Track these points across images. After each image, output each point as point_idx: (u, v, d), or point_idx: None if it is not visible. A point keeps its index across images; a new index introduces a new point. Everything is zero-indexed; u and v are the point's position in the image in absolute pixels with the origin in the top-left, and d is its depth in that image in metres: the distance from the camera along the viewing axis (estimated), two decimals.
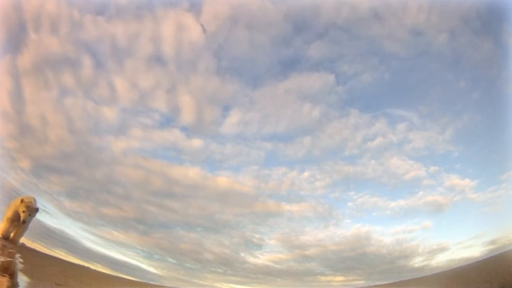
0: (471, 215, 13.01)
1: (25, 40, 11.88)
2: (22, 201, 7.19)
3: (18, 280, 3.13)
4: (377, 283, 13.27)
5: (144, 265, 12.89)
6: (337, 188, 14.82)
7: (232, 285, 13.87)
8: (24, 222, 7.01)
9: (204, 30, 13.37)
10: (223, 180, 14.45)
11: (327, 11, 13.16)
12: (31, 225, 7.20)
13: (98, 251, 11.57)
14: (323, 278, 14.10)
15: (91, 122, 13.34)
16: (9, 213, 7.29)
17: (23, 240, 7.21)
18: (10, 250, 6.76)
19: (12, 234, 7.30)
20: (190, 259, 13.85)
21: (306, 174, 14.78)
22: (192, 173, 14.26)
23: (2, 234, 7.24)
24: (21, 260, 5.99)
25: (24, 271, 3.62)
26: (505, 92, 11.70)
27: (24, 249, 5.94)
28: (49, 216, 10.38)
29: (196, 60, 13.77)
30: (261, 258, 14.24)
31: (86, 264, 8.43)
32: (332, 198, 14.85)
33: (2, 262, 5.54)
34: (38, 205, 7.41)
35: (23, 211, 7.07)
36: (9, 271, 4.97)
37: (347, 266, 14.12)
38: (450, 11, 12.26)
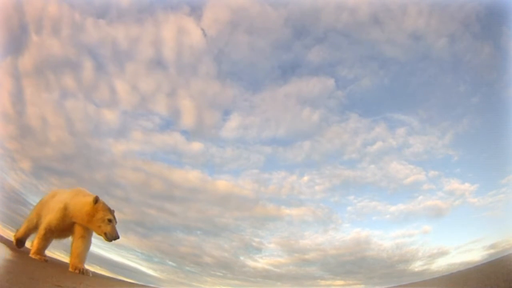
0: (471, 220, 12.97)
1: (27, 41, 11.91)
2: (96, 200, 4.73)
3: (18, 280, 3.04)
4: (377, 287, 13.23)
5: (144, 267, 12.85)
6: (337, 193, 14.77)
7: None
8: (109, 238, 4.58)
9: (205, 35, 13.41)
10: (222, 183, 14.42)
11: (327, 16, 13.21)
12: None
13: (97, 253, 11.50)
14: (322, 282, 14.02)
15: (91, 124, 13.34)
16: (54, 221, 4.77)
17: None
18: None
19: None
20: (189, 262, 13.79)
21: (305, 178, 14.74)
22: (192, 176, 14.22)
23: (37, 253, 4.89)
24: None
25: (24, 272, 3.62)
26: (505, 96, 11.75)
27: (24, 250, 5.91)
28: None
29: (196, 64, 13.80)
30: (261, 262, 14.18)
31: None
32: (332, 202, 14.79)
33: None
34: None
35: (109, 220, 4.64)
36: None
37: (346, 270, 14.06)
38: (450, 15, 12.32)
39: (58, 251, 5.24)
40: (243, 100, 14.42)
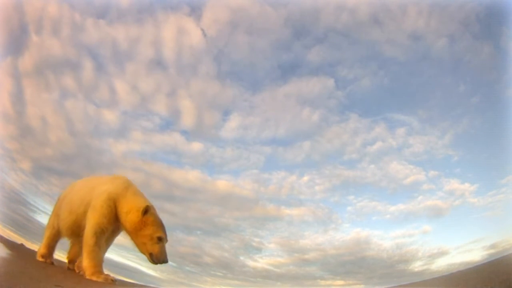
0: (471, 219, 13.01)
1: (27, 42, 11.98)
2: (146, 210, 3.60)
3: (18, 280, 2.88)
4: (377, 287, 13.22)
5: (144, 267, 12.80)
6: (337, 193, 14.83)
7: None
8: (155, 261, 3.57)
9: (205, 35, 13.46)
10: (222, 183, 14.45)
11: (326, 16, 13.28)
12: (31, 226, 6.89)
13: None
14: (322, 282, 14.03)
15: (91, 124, 13.43)
16: (102, 219, 3.59)
17: (22, 241, 6.83)
18: None
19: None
20: (189, 262, 13.79)
21: (305, 178, 14.80)
22: (191, 176, 14.24)
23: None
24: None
25: (24, 272, 3.62)
26: (505, 96, 11.77)
27: (24, 250, 5.91)
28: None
29: (196, 64, 13.89)
30: (261, 262, 14.19)
31: None
32: (332, 202, 14.87)
33: None
34: (38, 206, 6.36)
35: (160, 238, 3.61)
36: None
37: (346, 270, 14.07)
38: (450, 16, 12.38)
39: (58, 251, 5.22)
40: (243, 100, 14.50)
